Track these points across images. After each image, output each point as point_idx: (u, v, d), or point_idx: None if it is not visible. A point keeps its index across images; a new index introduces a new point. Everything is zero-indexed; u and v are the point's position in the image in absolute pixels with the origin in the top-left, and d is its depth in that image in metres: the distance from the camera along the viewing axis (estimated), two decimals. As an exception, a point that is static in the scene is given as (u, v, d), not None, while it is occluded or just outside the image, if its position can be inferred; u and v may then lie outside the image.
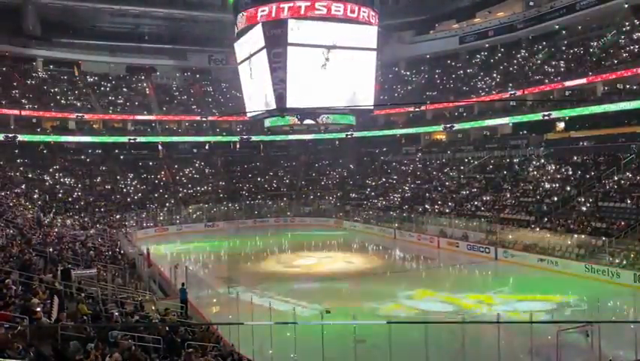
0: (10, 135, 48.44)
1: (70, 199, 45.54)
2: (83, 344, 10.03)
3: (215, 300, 23.02)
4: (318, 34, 24.77)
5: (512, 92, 47.19)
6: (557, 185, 36.68)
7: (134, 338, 11.80)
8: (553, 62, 47.86)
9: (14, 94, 51.61)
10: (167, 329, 13.14)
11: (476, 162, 47.26)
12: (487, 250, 31.97)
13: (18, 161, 48.74)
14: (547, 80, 45.54)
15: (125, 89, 60.27)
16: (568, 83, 43.65)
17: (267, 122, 30.73)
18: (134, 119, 56.83)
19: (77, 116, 52.88)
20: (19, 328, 10.08)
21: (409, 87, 60.41)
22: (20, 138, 48.91)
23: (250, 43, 26.08)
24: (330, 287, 26.32)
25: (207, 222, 47.62)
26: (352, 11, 25.01)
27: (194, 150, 60.15)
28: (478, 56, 57.94)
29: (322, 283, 27.10)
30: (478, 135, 52.72)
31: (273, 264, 32.76)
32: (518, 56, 53.56)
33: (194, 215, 48.44)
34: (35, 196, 42.49)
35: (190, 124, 59.86)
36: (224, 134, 59.95)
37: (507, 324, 17.95)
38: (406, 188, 49.29)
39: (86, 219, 40.64)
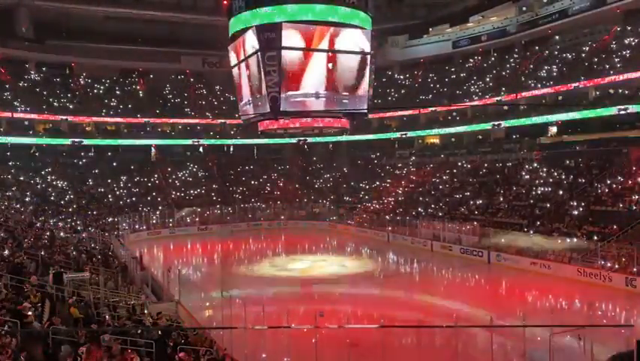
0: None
1: (62, 202, 45.29)
2: (75, 348, 9.97)
3: (208, 304, 22.93)
4: (311, 38, 24.80)
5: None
6: (550, 189, 36.86)
7: (127, 341, 11.74)
8: (546, 67, 48.18)
9: (6, 96, 51.34)
10: (159, 332, 13.08)
11: (469, 166, 47.46)
12: (480, 254, 32.03)
13: (10, 163, 48.45)
14: (539, 85, 45.86)
15: (118, 92, 60.10)
16: (560, 88, 44.05)
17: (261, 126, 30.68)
18: (127, 121, 56.76)
19: (62, 118, 52.83)
20: (10, 331, 9.99)
21: (403, 91, 60.60)
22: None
23: (244, 47, 26.07)
24: (324, 291, 26.28)
25: (200, 225, 47.46)
26: (347, 15, 25.05)
27: (188, 153, 60.05)
28: (472, 60, 58.23)
29: (316, 287, 27.05)
30: (471, 139, 52.95)
31: (267, 267, 32.66)
32: (511, 60, 53.88)
33: (187, 218, 48.28)
34: (27, 199, 42.24)
35: (183, 127, 59.75)
36: (217, 137, 59.88)
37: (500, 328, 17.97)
38: (400, 191, 49.36)
39: (78, 222, 40.44)
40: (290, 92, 24.65)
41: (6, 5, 52.40)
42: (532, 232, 32.04)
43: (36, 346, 10.09)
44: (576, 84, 42.59)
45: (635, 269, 23.78)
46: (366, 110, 29.06)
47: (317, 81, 25.23)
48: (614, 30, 44.85)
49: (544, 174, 39.29)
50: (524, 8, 53.23)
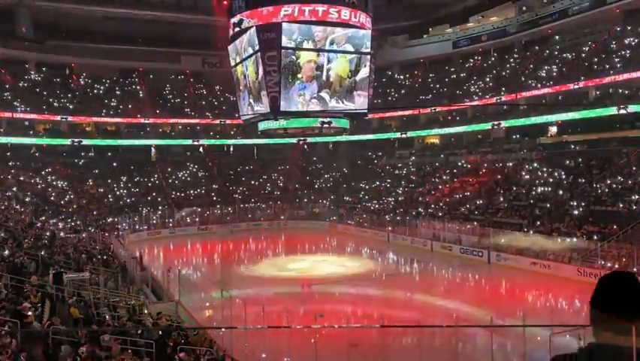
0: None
1: (62, 202, 45.28)
2: (75, 348, 9.97)
3: (208, 304, 22.94)
4: (312, 38, 24.85)
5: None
6: (550, 189, 36.86)
7: (127, 341, 11.74)
8: (546, 67, 48.19)
9: (6, 96, 51.35)
10: (159, 332, 13.09)
11: (469, 166, 47.46)
12: (480, 254, 32.02)
13: (10, 163, 48.44)
14: (539, 85, 45.87)
15: (118, 92, 60.10)
16: (560, 88, 44.08)
17: (261, 126, 30.74)
18: (127, 122, 56.78)
19: (62, 118, 52.78)
20: (10, 331, 9.99)
21: (403, 91, 60.61)
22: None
23: (244, 47, 26.10)
24: (324, 291, 26.28)
25: (200, 225, 47.45)
26: (346, 15, 25.09)
27: (188, 153, 60.07)
28: (472, 60, 58.24)
29: (316, 287, 27.04)
30: (471, 139, 52.95)
31: (267, 267, 32.66)
32: (511, 60, 53.90)
33: (187, 218, 48.27)
34: (27, 199, 42.21)
35: (183, 127, 59.76)
36: (217, 137, 59.88)
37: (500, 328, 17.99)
38: (400, 191, 49.36)
39: (78, 222, 40.43)
40: (290, 92, 24.68)
41: (6, 5, 52.39)
42: (532, 231, 32.05)
43: (36, 346, 10.10)
44: (576, 84, 42.59)
45: (635, 269, 23.74)
46: (366, 110, 29.11)
47: (317, 81, 25.27)
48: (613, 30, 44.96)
49: (545, 174, 39.29)
50: (524, 8, 53.24)
